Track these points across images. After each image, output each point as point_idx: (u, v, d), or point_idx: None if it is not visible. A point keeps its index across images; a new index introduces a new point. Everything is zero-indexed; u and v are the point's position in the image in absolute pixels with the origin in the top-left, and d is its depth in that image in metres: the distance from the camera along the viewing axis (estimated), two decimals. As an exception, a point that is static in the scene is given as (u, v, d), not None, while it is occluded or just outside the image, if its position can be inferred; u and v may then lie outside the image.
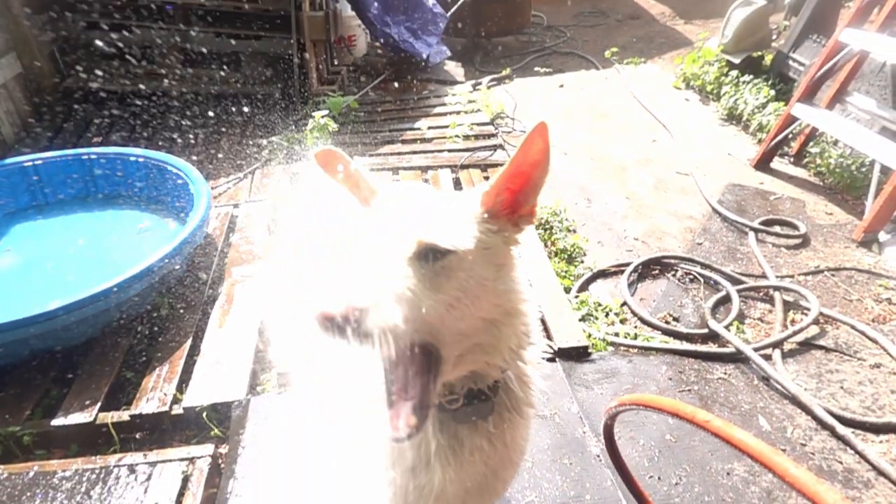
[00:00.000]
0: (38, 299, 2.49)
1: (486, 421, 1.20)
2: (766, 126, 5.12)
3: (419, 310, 0.92)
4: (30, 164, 3.73)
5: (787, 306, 3.33)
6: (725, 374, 2.89)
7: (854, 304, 3.37)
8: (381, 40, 6.45)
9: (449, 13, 7.01)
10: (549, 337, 2.94)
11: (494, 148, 4.96)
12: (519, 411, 1.24)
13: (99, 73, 5.20)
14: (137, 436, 2.47)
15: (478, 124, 5.42)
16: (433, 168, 4.61)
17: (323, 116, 4.87)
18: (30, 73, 5.02)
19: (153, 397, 2.52)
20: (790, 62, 5.59)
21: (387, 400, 1.02)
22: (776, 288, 3.42)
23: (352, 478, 1.37)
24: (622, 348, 3.03)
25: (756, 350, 2.94)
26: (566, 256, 3.72)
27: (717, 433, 1.22)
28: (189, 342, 2.84)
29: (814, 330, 3.15)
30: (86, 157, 3.82)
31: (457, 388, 1.15)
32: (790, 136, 4.79)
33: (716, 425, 1.23)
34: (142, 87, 5.20)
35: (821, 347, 3.06)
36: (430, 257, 0.95)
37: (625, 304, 3.36)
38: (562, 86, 6.66)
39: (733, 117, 5.64)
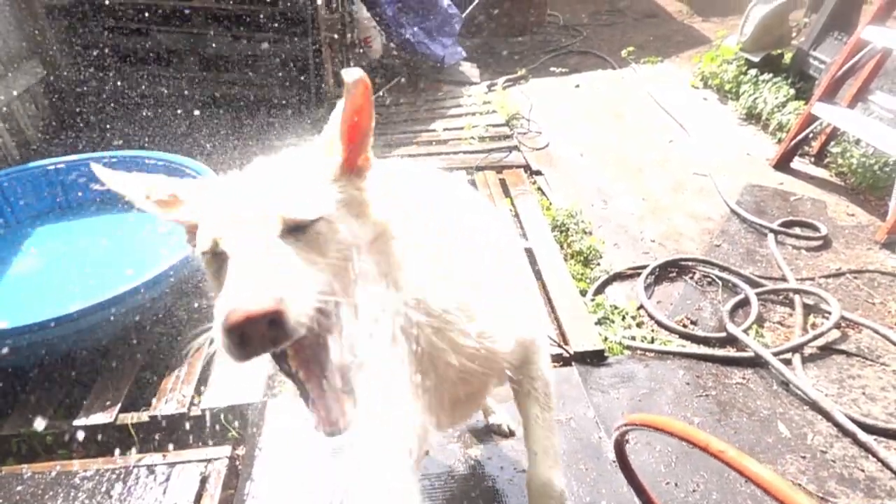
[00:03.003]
0: (61, 301, 2.53)
1: None
2: (785, 125, 5.04)
3: (321, 282, 0.90)
4: (52, 167, 3.80)
5: (808, 310, 3.28)
6: (744, 378, 2.86)
7: (877, 308, 3.31)
8: (397, 42, 6.46)
9: (464, 14, 7.01)
10: (564, 341, 2.93)
11: (510, 149, 4.95)
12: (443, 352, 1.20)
13: (118, 77, 5.28)
14: (156, 436, 2.50)
15: (493, 125, 5.42)
16: (448, 170, 4.61)
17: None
18: (52, 77, 5.11)
19: (172, 399, 2.56)
20: (811, 60, 5.50)
21: (307, 399, 0.95)
22: (796, 291, 3.37)
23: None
24: (639, 352, 3.00)
25: (775, 354, 2.89)
26: (582, 259, 3.70)
27: (731, 464, 1.20)
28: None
29: (835, 334, 3.09)
30: (107, 160, 3.87)
31: None
32: (811, 135, 4.71)
33: (730, 455, 1.21)
34: (159, 90, 5.27)
35: (842, 352, 3.01)
36: (299, 229, 0.93)
37: (641, 307, 3.33)
38: (578, 86, 6.62)
39: (752, 116, 5.57)
